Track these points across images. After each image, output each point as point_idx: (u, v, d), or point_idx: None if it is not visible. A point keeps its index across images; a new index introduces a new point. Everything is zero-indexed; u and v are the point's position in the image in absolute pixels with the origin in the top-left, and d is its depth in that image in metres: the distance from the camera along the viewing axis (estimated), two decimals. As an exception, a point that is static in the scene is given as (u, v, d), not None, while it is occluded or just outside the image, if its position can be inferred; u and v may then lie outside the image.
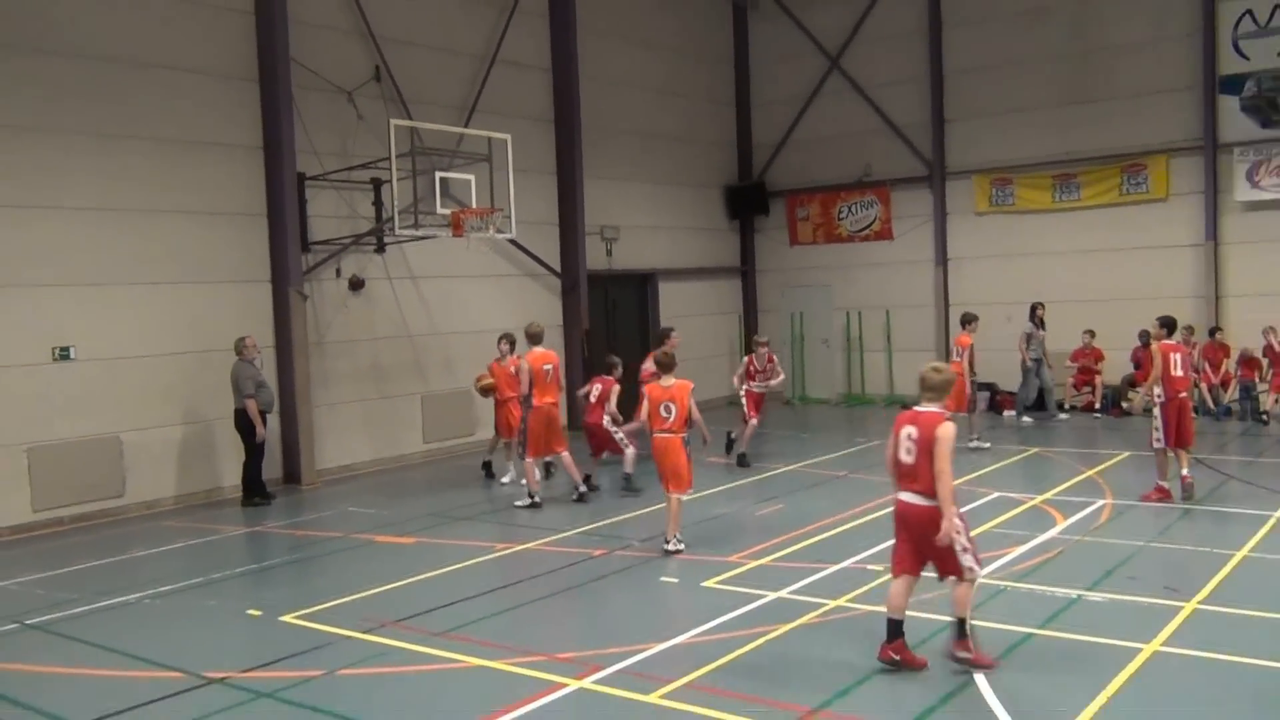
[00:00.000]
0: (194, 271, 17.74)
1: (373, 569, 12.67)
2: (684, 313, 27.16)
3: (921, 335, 26.97)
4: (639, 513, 14.99)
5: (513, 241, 21.65)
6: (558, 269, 23.95)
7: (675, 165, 27.58)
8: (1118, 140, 24.34)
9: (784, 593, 10.87)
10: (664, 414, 12.84)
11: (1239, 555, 11.72)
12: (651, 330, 26.33)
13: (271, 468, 18.33)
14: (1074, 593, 10.44)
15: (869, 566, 11.64)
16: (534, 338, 15.89)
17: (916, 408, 8.68)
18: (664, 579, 11.68)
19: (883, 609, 8.94)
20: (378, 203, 19.61)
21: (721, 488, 16.84)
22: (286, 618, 10.80)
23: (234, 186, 18.20)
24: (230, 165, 18.15)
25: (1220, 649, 8.81)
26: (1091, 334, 23.66)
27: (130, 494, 16.88)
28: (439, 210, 18.02)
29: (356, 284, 19.89)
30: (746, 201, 29.40)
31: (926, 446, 8.41)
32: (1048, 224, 25.39)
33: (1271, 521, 13.14)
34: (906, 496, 8.59)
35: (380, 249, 20.21)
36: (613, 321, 25.71)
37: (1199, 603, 10.06)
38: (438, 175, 18.27)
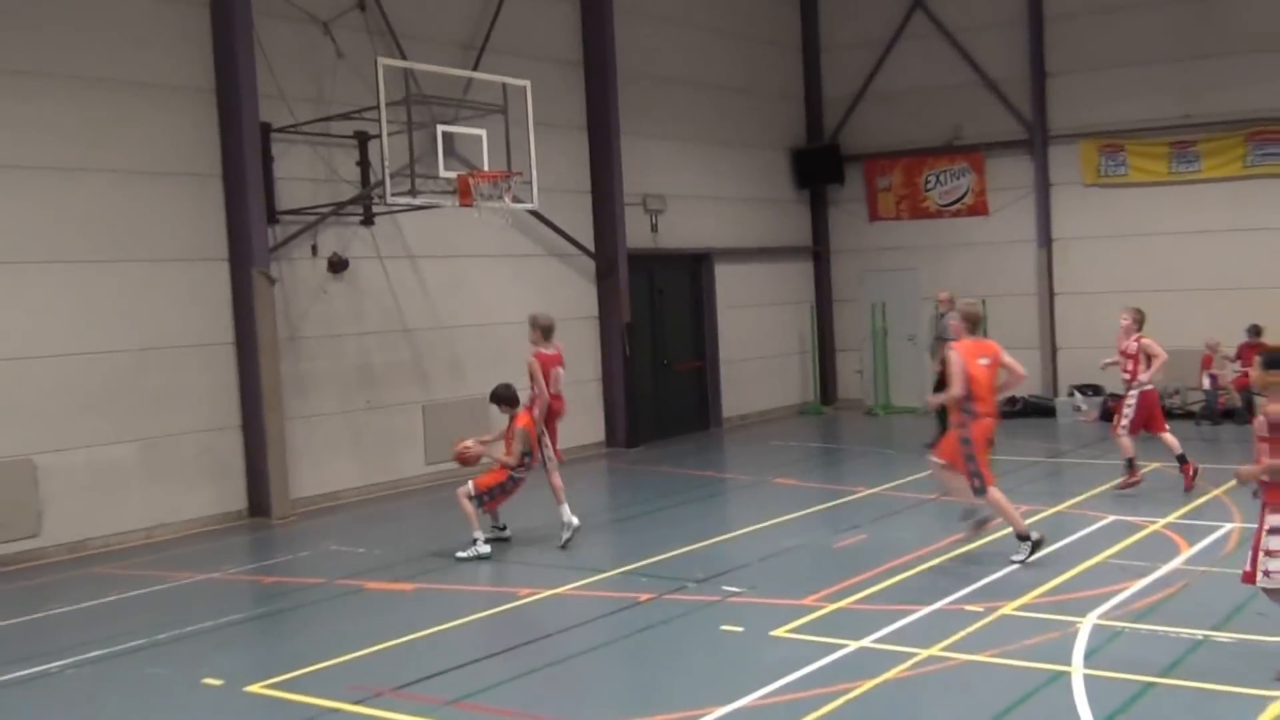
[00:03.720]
0: (129, 247, 17.05)
1: (363, 624, 12.29)
2: (744, 301, 27.24)
3: (1024, 328, 26.68)
4: (693, 547, 14.99)
5: (534, 213, 21.02)
6: (591, 248, 23.56)
7: (732, 122, 27.26)
8: (1241, 103, 24.37)
9: (867, 641, 10.82)
10: None
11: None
12: (706, 321, 26.53)
13: (230, 499, 18.02)
14: (1200, 633, 10.56)
15: (967, 607, 11.65)
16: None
17: None
18: (725, 627, 11.57)
19: (982, 656, 9.51)
20: (364, 163, 19.16)
21: (790, 515, 16.69)
22: (253, 688, 10.41)
23: (179, 140, 17.55)
24: (174, 113, 17.46)
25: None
26: (1258, 330, 23.52)
27: (48, 533, 16.10)
28: (442, 173, 17.64)
29: (338, 264, 19.27)
30: (817, 168, 29.16)
31: None
32: (1163, 198, 25.60)
33: None
34: None
35: (368, 221, 19.73)
36: (658, 311, 25.51)
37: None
38: (440, 129, 17.78)
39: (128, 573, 15.01)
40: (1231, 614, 10.99)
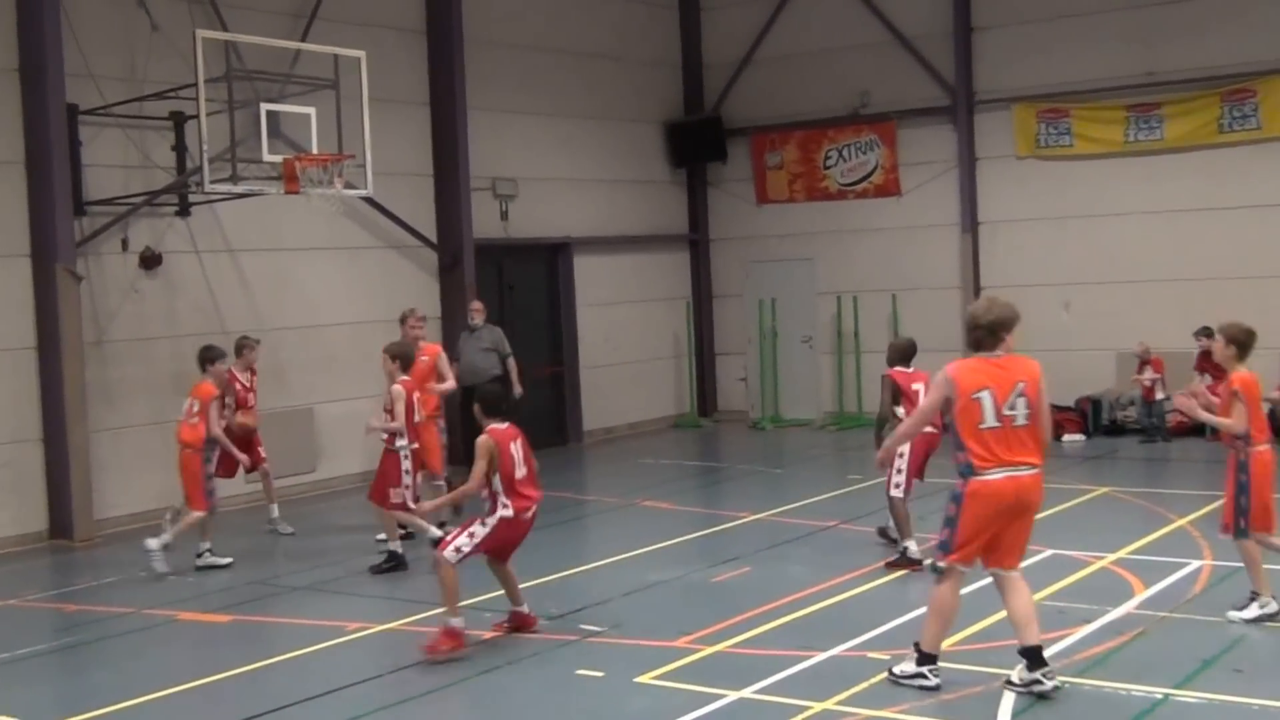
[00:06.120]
0: None
1: (173, 659, 12.81)
2: (610, 298, 27.83)
3: (943, 329, 25.59)
4: (546, 579, 15.06)
5: (369, 200, 21.86)
6: (433, 238, 24.31)
7: (597, 93, 27.93)
8: (1216, 56, 24.45)
9: (749, 691, 10.96)
10: None
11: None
12: (564, 321, 27.09)
13: (30, 518, 18.61)
14: (1159, 691, 10.50)
15: (869, 654, 11.75)
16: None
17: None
18: (582, 671, 11.78)
19: (887, 713, 9.31)
20: (180, 147, 19.78)
21: (660, 544, 17.09)
22: None
23: None
24: None
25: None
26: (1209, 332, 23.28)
27: None
28: (266, 157, 18.28)
29: (151, 259, 20.06)
30: (696, 143, 29.74)
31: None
32: (1117, 172, 25.61)
33: None
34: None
35: (184, 211, 20.38)
36: (509, 309, 25.83)
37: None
38: (264, 108, 18.55)
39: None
40: (1199, 669, 10.92)
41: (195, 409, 16.58)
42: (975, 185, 27.16)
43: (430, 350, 18.72)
